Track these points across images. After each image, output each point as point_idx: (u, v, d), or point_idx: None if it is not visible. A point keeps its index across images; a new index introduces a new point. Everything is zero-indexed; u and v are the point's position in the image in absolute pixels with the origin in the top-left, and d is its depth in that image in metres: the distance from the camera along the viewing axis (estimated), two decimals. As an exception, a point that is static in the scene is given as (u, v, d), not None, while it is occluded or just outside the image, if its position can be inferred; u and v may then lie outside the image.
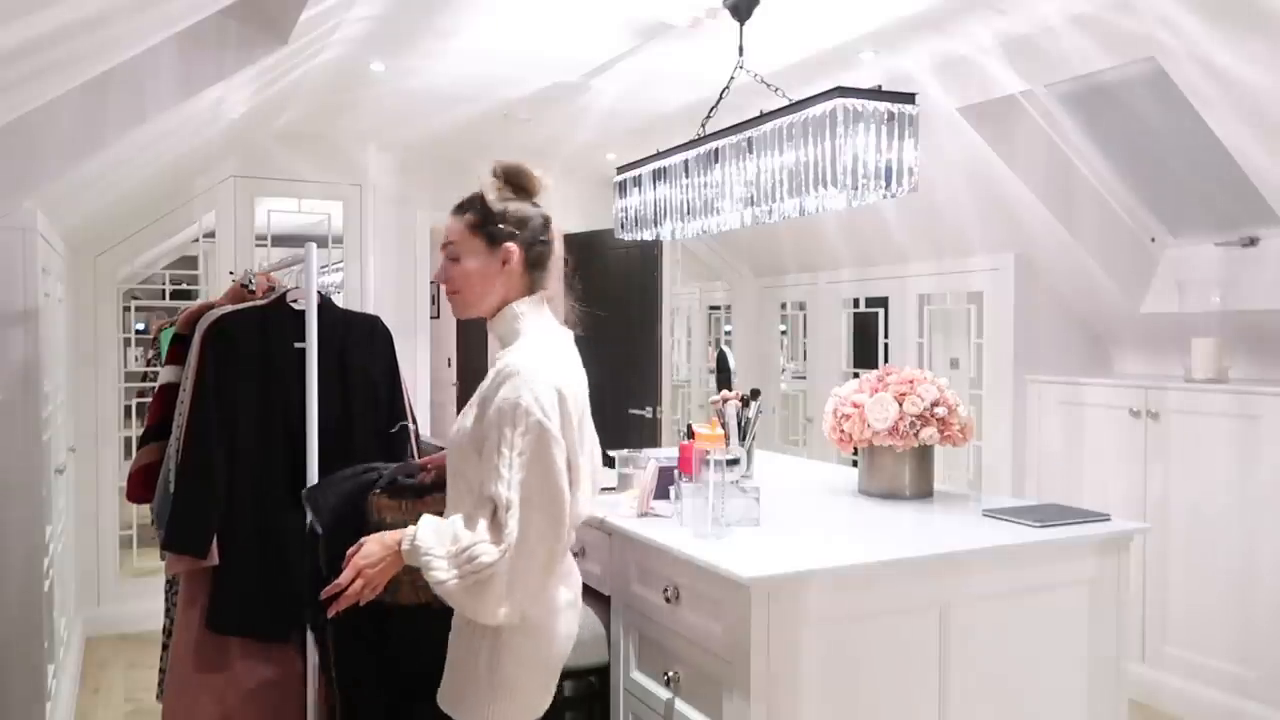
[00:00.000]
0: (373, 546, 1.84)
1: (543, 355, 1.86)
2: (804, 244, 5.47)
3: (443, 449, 2.34)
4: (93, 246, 4.60)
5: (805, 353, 5.94)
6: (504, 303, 1.95)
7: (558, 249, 2.03)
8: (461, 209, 1.97)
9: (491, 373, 1.88)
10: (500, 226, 1.93)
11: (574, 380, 1.90)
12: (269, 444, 2.59)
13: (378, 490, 2.28)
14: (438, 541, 1.76)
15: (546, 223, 2.01)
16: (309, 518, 2.34)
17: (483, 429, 1.81)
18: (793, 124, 2.50)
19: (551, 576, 1.84)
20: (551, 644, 1.93)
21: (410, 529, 1.82)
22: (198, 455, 2.52)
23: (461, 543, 1.74)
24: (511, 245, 1.93)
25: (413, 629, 2.19)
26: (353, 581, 1.81)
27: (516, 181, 1.99)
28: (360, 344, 2.71)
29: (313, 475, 2.57)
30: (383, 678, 2.31)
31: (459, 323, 8.97)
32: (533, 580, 1.77)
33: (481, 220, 1.94)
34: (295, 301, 2.66)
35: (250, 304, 2.72)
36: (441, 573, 1.73)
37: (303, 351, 2.58)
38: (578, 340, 2.04)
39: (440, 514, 1.90)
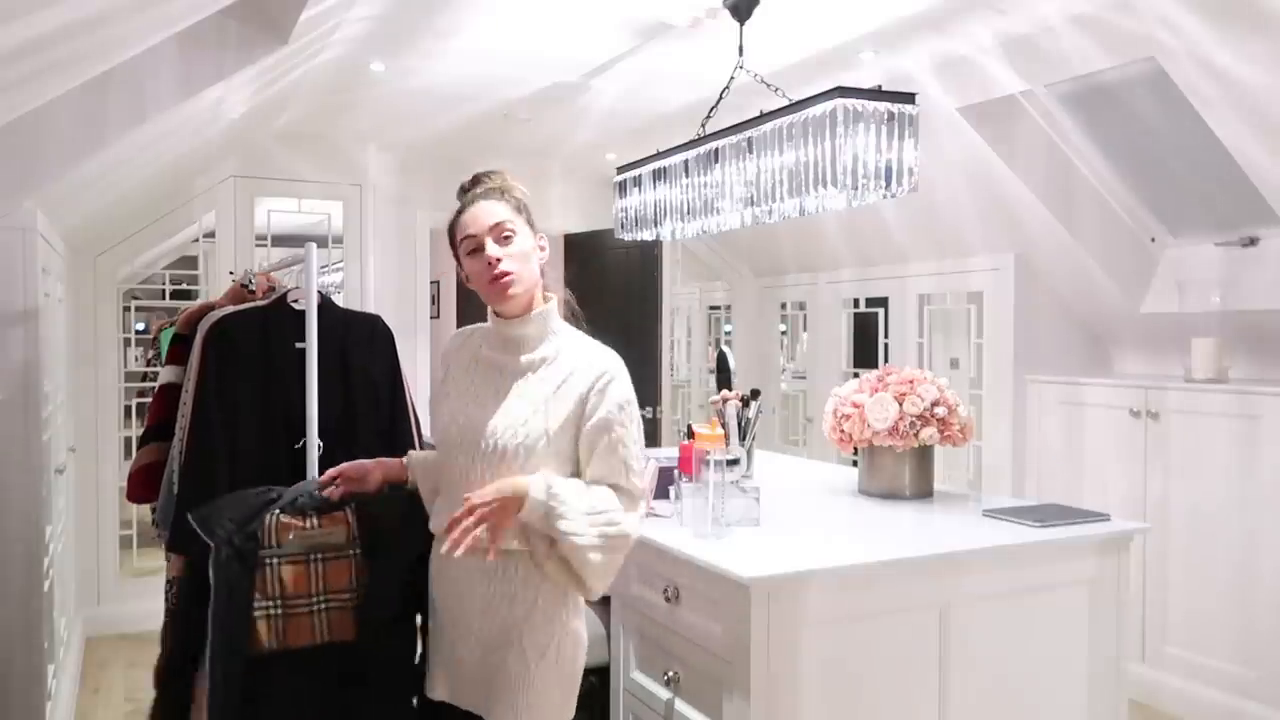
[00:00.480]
0: (487, 488, 1.78)
1: (612, 352, 1.93)
2: (804, 244, 5.47)
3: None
4: (93, 246, 4.60)
5: (805, 353, 5.95)
6: (529, 301, 1.92)
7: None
8: (496, 194, 1.93)
9: (580, 371, 1.87)
10: (532, 217, 1.95)
11: None
12: (270, 444, 2.59)
13: (277, 511, 2.04)
14: (575, 496, 1.78)
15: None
16: (203, 542, 2.04)
17: (578, 424, 1.84)
18: (793, 124, 2.50)
19: None
20: (580, 648, 1.94)
21: (540, 474, 1.79)
22: (199, 457, 2.51)
23: (598, 505, 1.79)
24: (543, 236, 1.95)
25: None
26: (468, 519, 1.76)
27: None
28: (361, 344, 2.71)
29: (313, 473, 2.57)
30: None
31: (459, 323, 8.98)
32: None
33: (521, 205, 1.94)
34: (296, 301, 2.66)
35: (251, 304, 2.72)
36: (576, 525, 1.76)
37: (303, 351, 2.58)
38: None
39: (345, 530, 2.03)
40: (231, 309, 2.69)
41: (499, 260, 1.86)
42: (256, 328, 2.60)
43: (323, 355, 2.58)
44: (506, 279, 1.86)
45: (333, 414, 2.62)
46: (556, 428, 1.84)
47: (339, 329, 2.67)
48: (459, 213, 1.95)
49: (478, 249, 1.89)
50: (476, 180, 1.98)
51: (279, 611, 1.98)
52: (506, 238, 1.88)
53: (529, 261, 1.90)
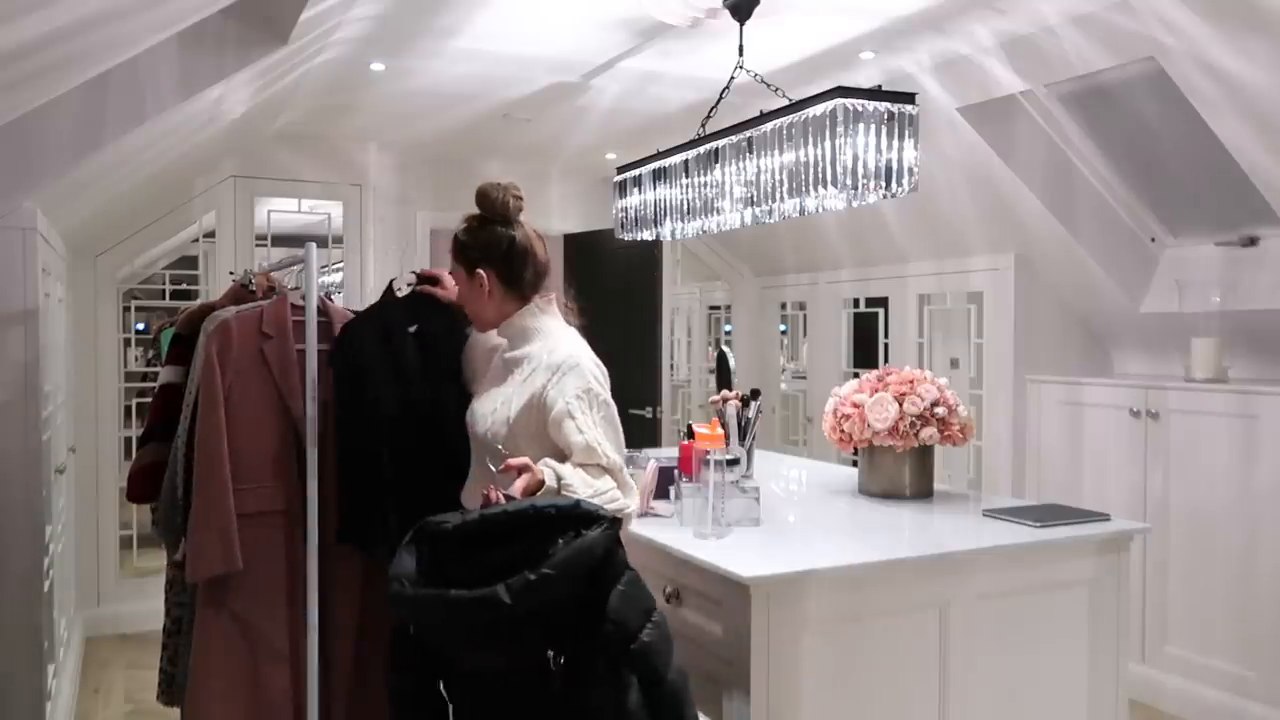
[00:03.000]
0: (516, 485, 1.84)
1: (582, 346, 2.12)
2: (804, 244, 5.47)
3: None
4: (93, 246, 4.59)
5: (805, 353, 5.94)
6: (501, 317, 2.16)
7: (539, 257, 2.17)
8: (453, 241, 2.21)
9: (543, 367, 2.04)
10: (470, 254, 2.15)
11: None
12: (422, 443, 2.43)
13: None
14: (580, 482, 1.89)
15: (512, 242, 2.14)
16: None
17: (541, 414, 2.00)
18: (793, 124, 2.50)
19: None
20: None
21: (548, 464, 1.89)
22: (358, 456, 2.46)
23: (601, 487, 1.91)
24: (482, 271, 2.13)
25: None
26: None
27: (482, 205, 2.16)
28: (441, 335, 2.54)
29: (313, 472, 2.55)
30: None
31: (459, 323, 8.97)
32: None
33: (459, 250, 2.18)
34: (400, 290, 2.59)
35: (375, 304, 2.60)
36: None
37: (416, 337, 2.46)
38: None
39: None
40: (352, 314, 2.63)
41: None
42: (378, 326, 2.53)
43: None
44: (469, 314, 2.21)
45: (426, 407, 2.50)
46: (514, 416, 2.04)
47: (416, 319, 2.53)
48: None
49: None
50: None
51: None
52: (456, 284, 2.22)
53: (465, 302, 2.20)
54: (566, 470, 1.89)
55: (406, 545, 1.69)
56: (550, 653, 1.60)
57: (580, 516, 1.65)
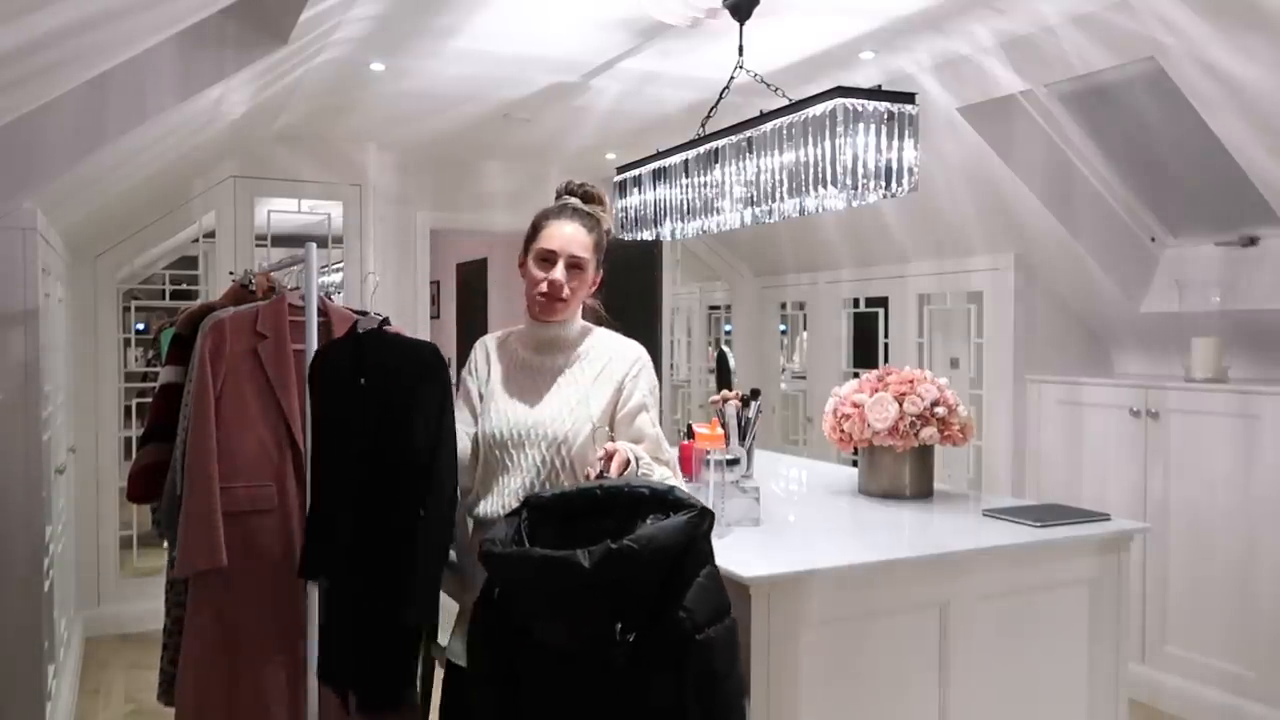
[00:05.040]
0: (618, 448, 1.94)
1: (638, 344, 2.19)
2: (804, 244, 5.47)
3: None
4: (93, 246, 4.59)
5: (805, 353, 5.94)
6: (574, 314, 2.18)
7: None
8: (587, 222, 2.16)
9: (617, 359, 2.12)
10: (600, 252, 2.19)
11: None
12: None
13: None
14: (659, 473, 2.01)
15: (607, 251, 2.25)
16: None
17: (613, 404, 2.08)
18: (793, 124, 2.50)
19: None
20: None
21: (627, 446, 1.96)
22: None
23: (664, 473, 2.03)
24: (602, 268, 2.20)
25: None
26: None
27: (593, 209, 2.22)
28: (409, 373, 2.27)
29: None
30: None
31: (459, 323, 8.99)
32: None
33: (600, 243, 2.18)
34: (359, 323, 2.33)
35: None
36: None
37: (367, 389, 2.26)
38: None
39: None
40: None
41: (561, 286, 2.09)
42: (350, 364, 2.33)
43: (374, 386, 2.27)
44: (559, 304, 2.11)
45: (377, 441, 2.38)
46: (599, 413, 2.07)
47: (387, 358, 2.32)
48: (552, 215, 2.15)
49: (548, 262, 2.11)
50: (585, 193, 2.21)
51: None
52: (577, 269, 2.12)
53: (583, 291, 2.15)
54: (644, 454, 2.00)
55: (508, 516, 1.76)
56: (619, 626, 1.61)
57: (671, 502, 1.69)
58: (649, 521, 1.65)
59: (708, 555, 1.70)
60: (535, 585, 1.65)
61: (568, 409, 2.07)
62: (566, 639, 1.66)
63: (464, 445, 2.13)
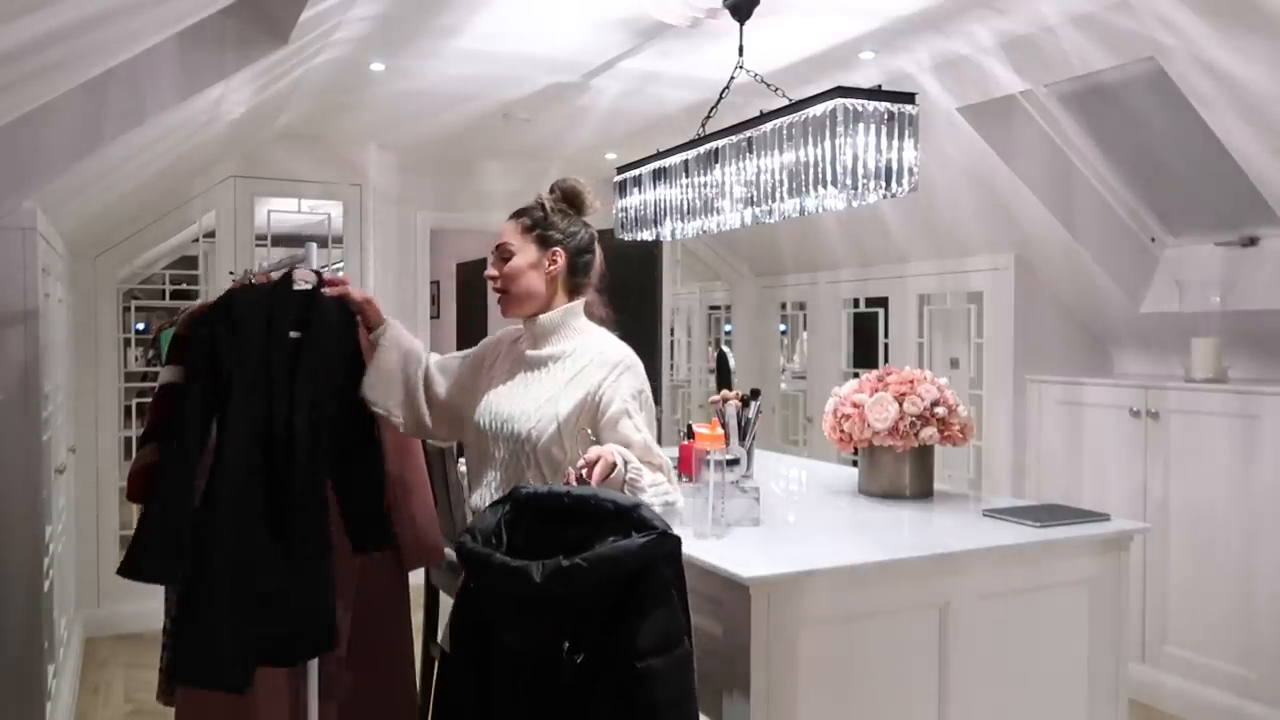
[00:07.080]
0: (601, 452, 1.92)
1: (628, 347, 2.17)
2: (804, 244, 5.47)
3: None
4: (93, 246, 4.59)
5: (805, 353, 5.94)
6: (543, 306, 2.16)
7: (599, 263, 2.26)
8: (518, 214, 2.20)
9: (596, 364, 2.09)
10: (551, 233, 2.17)
11: None
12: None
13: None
14: (644, 473, 1.98)
15: (593, 239, 2.24)
16: None
17: (592, 410, 2.07)
18: (793, 124, 2.50)
19: None
20: None
21: (617, 450, 1.95)
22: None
23: (654, 478, 2.01)
24: (559, 250, 2.16)
25: None
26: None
27: (571, 199, 2.22)
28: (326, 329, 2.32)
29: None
30: None
31: (459, 323, 8.98)
32: None
33: (535, 225, 2.17)
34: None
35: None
36: (645, 497, 1.92)
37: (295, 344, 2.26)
38: None
39: None
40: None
41: (492, 276, 2.18)
42: (264, 315, 2.29)
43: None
44: (503, 296, 2.18)
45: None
46: (565, 414, 2.06)
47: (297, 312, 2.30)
48: None
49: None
50: (564, 190, 2.23)
51: None
52: (505, 257, 2.17)
53: (522, 277, 2.15)
54: (634, 458, 1.98)
55: (492, 506, 1.74)
56: (566, 645, 1.60)
57: (634, 520, 1.63)
58: (611, 540, 1.59)
59: (667, 581, 1.63)
60: (493, 590, 1.66)
61: (535, 406, 2.08)
62: (525, 644, 1.66)
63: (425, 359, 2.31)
